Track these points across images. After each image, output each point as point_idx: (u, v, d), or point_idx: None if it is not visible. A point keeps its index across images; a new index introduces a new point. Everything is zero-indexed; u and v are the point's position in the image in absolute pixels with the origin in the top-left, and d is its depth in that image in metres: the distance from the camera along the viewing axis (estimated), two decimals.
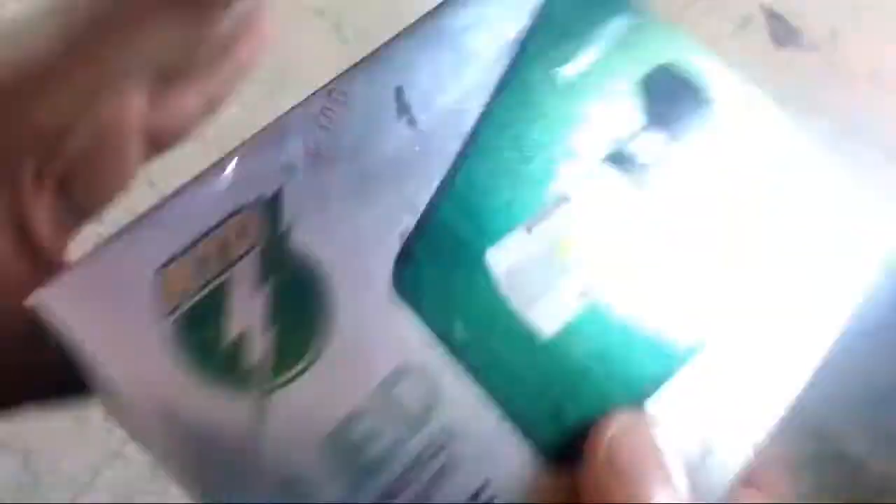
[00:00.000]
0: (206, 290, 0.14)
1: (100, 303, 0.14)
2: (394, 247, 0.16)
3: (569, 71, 0.18)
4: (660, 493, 0.16)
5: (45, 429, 0.39)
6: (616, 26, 0.19)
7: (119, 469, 0.40)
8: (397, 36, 0.18)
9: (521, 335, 0.16)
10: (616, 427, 0.16)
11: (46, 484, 0.40)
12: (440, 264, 0.16)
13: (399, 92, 0.17)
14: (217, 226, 0.15)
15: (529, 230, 0.16)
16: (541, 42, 0.18)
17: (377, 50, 0.18)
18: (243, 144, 0.16)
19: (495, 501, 0.15)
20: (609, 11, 0.19)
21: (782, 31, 0.44)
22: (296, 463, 0.14)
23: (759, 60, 0.44)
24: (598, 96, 0.18)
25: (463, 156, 0.17)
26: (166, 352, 0.14)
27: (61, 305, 0.14)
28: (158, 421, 0.14)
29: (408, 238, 0.16)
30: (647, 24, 0.19)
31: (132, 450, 0.40)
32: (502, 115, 0.17)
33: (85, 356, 0.14)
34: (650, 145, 0.18)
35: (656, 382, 0.16)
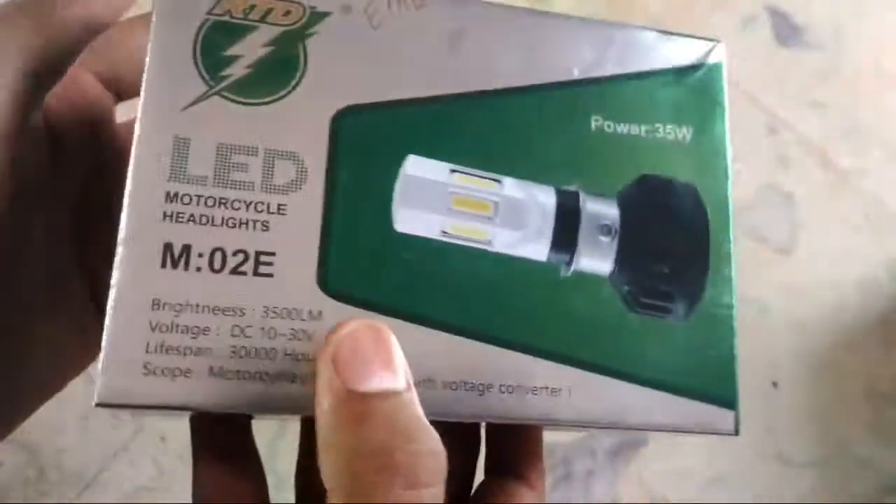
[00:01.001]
0: (239, 21, 0.19)
1: None
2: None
3: None
4: (379, 379, 0.17)
5: (50, 424, 0.39)
6: None
7: (125, 465, 0.41)
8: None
9: (379, 215, 0.20)
10: (349, 327, 0.17)
11: (52, 479, 0.40)
12: (387, 133, 0.20)
13: None
14: None
15: (453, 172, 0.20)
16: None
17: None
18: None
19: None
20: None
21: (786, 30, 0.44)
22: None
23: (763, 59, 0.44)
24: None
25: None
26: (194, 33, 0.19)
27: None
28: None
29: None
30: None
31: (138, 445, 0.41)
32: None
33: None
34: None
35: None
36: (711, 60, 0.23)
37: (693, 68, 0.22)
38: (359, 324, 0.17)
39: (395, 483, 0.16)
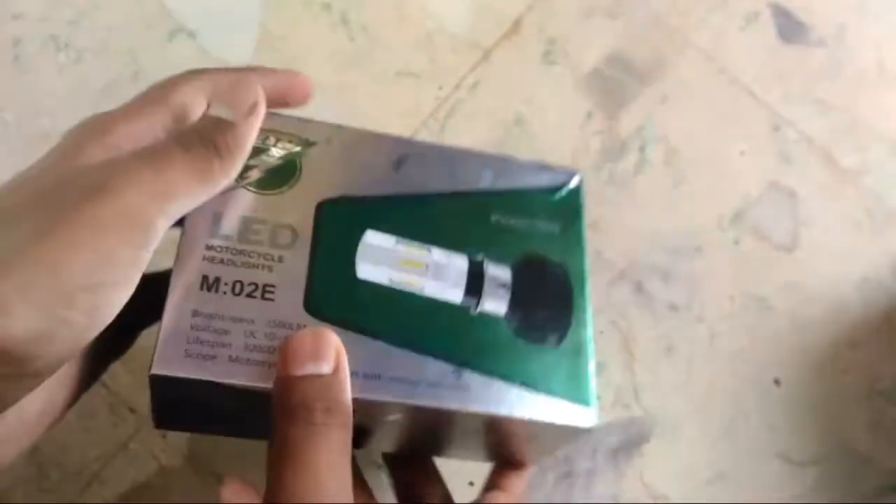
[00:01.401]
0: (258, 145, 0.29)
1: None
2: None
3: None
4: (308, 366, 0.25)
5: None
6: None
7: (125, 463, 0.41)
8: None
9: (347, 267, 0.29)
10: (297, 334, 0.26)
11: (53, 478, 0.40)
12: (353, 215, 0.30)
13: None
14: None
15: (398, 242, 0.30)
16: None
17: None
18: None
19: None
20: None
21: (789, 27, 0.44)
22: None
23: (766, 56, 0.44)
24: None
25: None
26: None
27: None
28: None
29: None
30: None
31: (138, 443, 0.41)
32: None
33: None
34: None
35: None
36: (573, 185, 0.33)
37: (561, 188, 0.33)
38: (306, 330, 0.26)
39: (302, 421, 0.24)
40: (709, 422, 0.42)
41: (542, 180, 0.33)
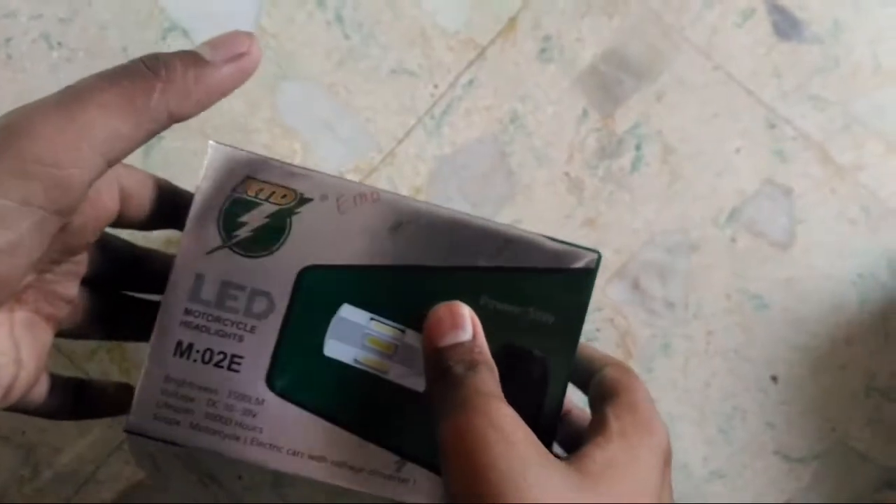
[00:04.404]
0: (251, 198, 0.29)
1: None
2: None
3: None
4: (450, 336, 0.27)
5: (45, 423, 0.39)
6: None
7: (120, 463, 0.40)
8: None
9: (315, 342, 0.29)
10: (432, 311, 0.28)
11: (47, 478, 0.40)
12: (333, 286, 0.29)
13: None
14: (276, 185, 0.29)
15: (371, 319, 0.29)
16: None
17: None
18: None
19: None
20: None
21: (785, 24, 0.44)
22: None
23: (762, 53, 0.44)
24: None
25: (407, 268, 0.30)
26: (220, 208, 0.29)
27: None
28: None
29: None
30: None
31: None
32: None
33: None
34: None
35: None
36: (585, 267, 0.29)
37: (569, 271, 0.29)
38: (442, 306, 0.28)
39: (451, 376, 0.26)
40: (705, 419, 0.42)
41: (552, 260, 0.29)
